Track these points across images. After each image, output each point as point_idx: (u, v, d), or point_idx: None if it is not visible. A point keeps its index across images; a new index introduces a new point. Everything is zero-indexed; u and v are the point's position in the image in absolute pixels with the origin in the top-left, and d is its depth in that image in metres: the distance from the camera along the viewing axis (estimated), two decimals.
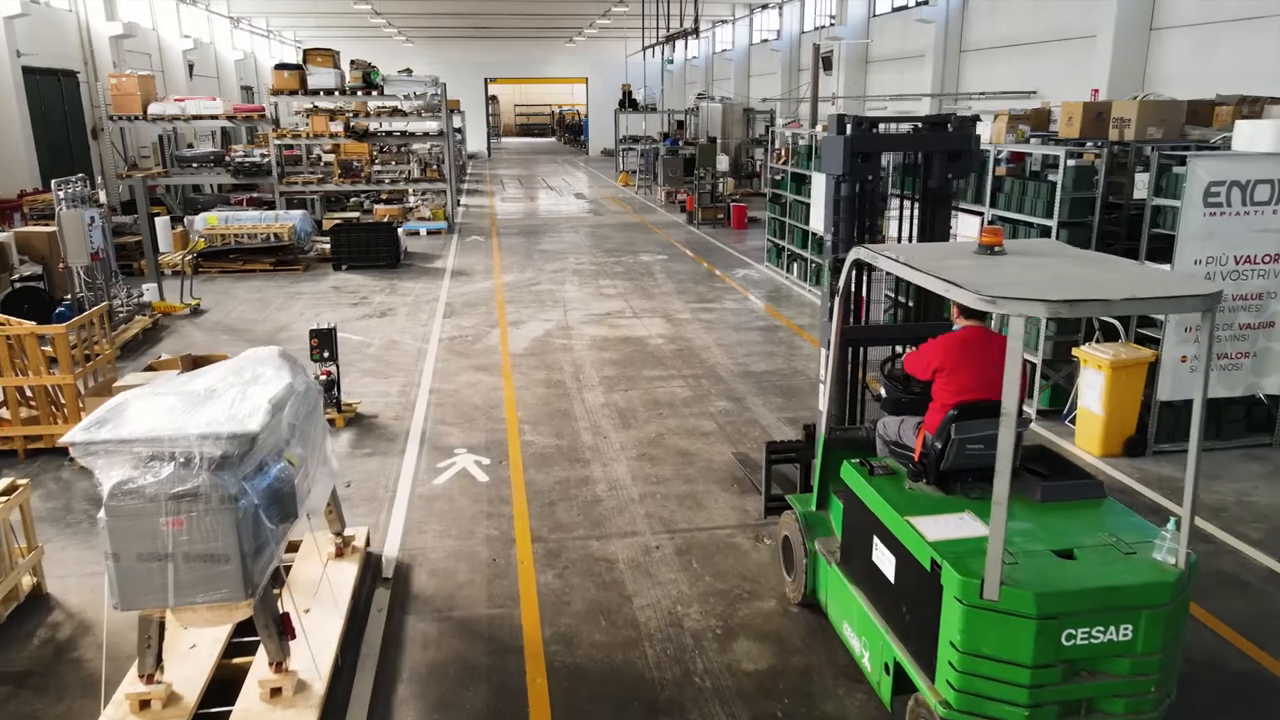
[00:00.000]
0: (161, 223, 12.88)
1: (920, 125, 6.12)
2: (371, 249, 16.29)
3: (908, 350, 5.39)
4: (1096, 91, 15.99)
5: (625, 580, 5.62)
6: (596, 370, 10.01)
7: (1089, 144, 8.89)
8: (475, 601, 5.39)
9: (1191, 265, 7.06)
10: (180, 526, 3.73)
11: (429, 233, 20.52)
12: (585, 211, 25.17)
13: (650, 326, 11.92)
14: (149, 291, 12.38)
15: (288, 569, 5.31)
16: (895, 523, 4.08)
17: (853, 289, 5.49)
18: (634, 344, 11.08)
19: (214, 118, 20.32)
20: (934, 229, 5.74)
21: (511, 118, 74.79)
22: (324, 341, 8.33)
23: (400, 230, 18.74)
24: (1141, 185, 7.74)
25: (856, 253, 4.63)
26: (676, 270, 15.97)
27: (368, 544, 5.82)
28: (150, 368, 7.98)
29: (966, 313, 4.50)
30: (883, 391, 5.02)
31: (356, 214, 21.53)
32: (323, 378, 8.30)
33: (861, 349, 5.88)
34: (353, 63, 20.79)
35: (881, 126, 5.69)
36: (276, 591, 4.37)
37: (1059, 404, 8.36)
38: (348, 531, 5.67)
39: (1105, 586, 3.59)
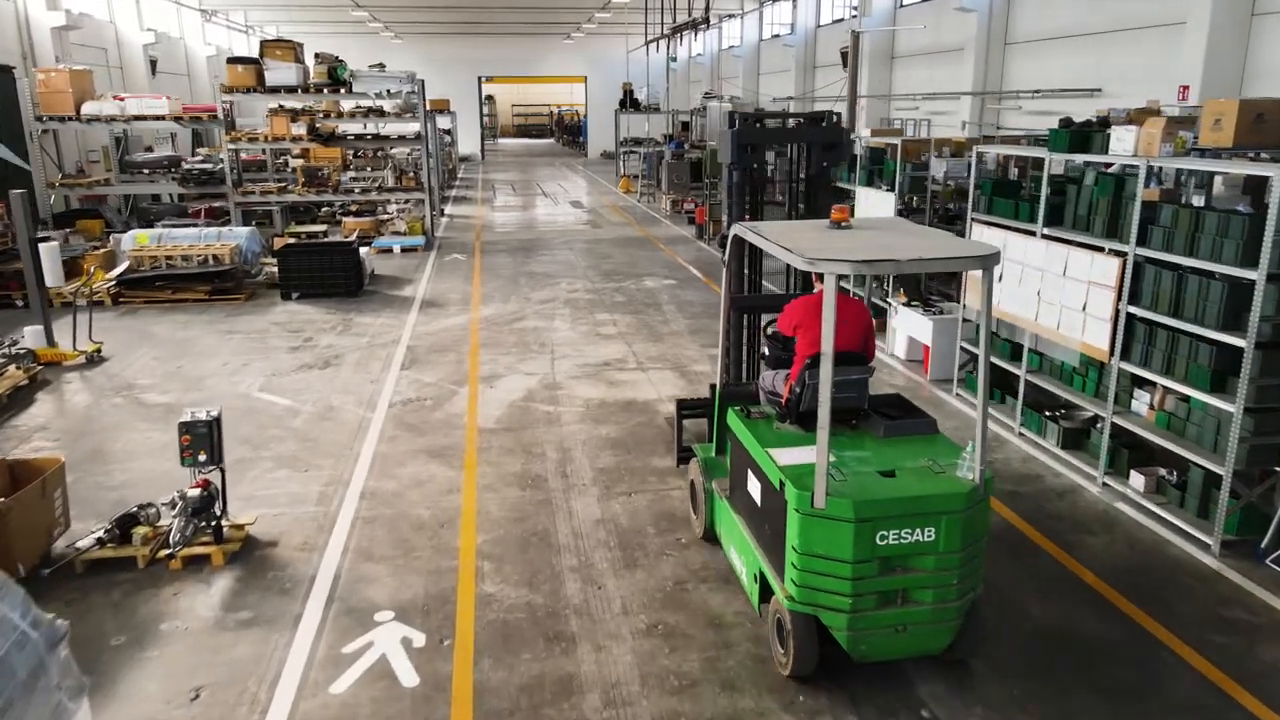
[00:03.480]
0: (48, 248, 10.35)
1: (800, 121, 6.95)
2: (327, 274, 13.68)
3: None
4: (1186, 89, 13.45)
5: None
6: (589, 457, 7.48)
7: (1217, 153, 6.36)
8: None
9: None
10: None
11: (404, 250, 17.98)
12: (582, 223, 22.60)
13: (659, 384, 9.39)
14: (31, 335, 9.87)
15: None
16: (760, 455, 4.76)
17: (742, 261, 6.49)
18: (639, 412, 8.55)
19: (159, 118, 17.77)
20: (814, 208, 6.50)
21: (509, 118, 72.14)
22: (200, 440, 5.84)
23: (369, 248, 16.28)
24: None
25: (735, 229, 5.35)
26: (688, 300, 13.42)
27: None
28: None
29: (821, 277, 4.90)
30: (766, 350, 5.57)
31: (325, 227, 18.98)
32: (196, 492, 5.82)
33: (758, 314, 6.72)
34: (317, 56, 18.26)
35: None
36: None
37: (1254, 532, 5.83)
38: None
39: (911, 496, 4.28)
